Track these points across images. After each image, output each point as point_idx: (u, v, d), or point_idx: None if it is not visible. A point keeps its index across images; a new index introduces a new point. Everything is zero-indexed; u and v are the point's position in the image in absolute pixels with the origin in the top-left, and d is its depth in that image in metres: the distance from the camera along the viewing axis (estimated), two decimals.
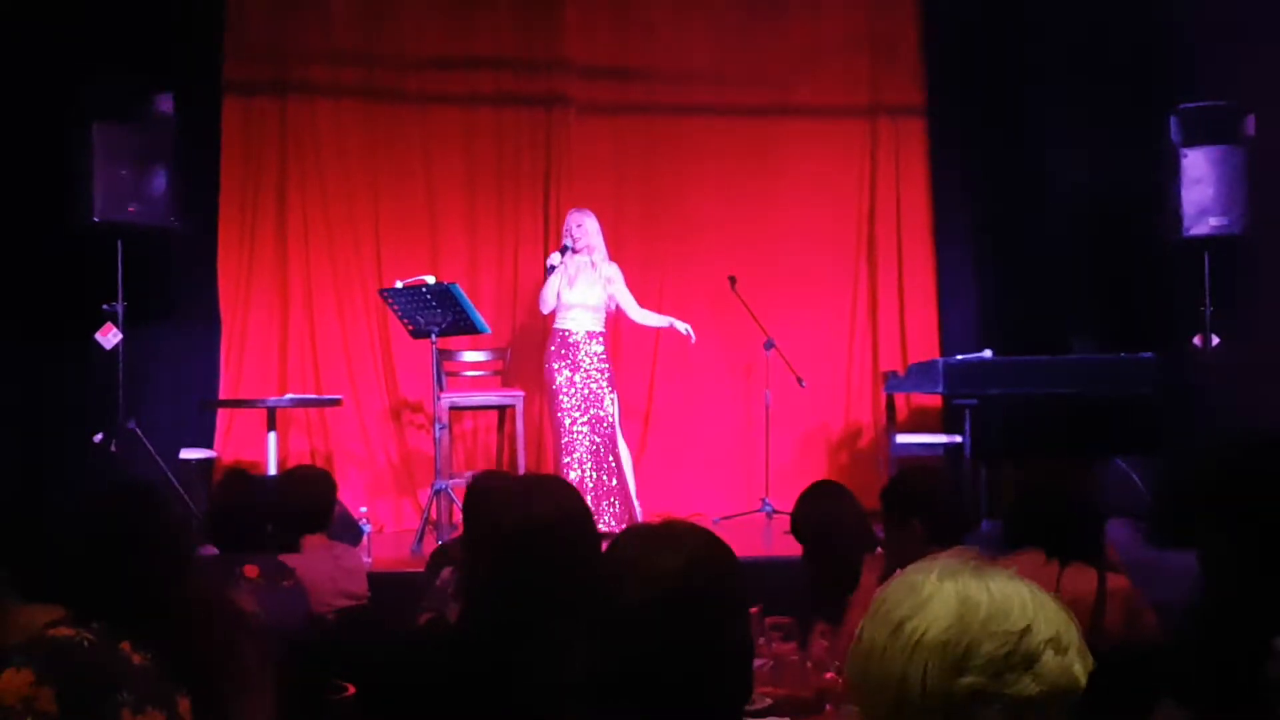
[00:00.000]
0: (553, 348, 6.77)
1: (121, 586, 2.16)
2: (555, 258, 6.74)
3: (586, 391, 6.64)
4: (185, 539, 2.52)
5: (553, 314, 6.82)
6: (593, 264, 6.75)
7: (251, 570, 3.54)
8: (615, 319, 7.03)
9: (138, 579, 2.19)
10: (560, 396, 6.67)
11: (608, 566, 1.69)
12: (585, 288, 6.72)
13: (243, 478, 4.41)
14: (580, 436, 6.62)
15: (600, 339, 6.78)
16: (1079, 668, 1.31)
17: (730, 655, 1.66)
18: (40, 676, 1.94)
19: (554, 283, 6.72)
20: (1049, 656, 1.29)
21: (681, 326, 6.96)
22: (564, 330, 6.75)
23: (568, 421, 6.63)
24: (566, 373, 6.66)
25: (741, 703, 1.71)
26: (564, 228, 6.85)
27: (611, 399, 6.72)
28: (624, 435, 6.91)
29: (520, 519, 2.14)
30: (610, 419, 6.69)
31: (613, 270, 6.82)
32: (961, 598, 1.31)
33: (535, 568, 2.08)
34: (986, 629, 1.29)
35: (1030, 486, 3.24)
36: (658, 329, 7.26)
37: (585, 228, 6.75)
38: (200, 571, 2.72)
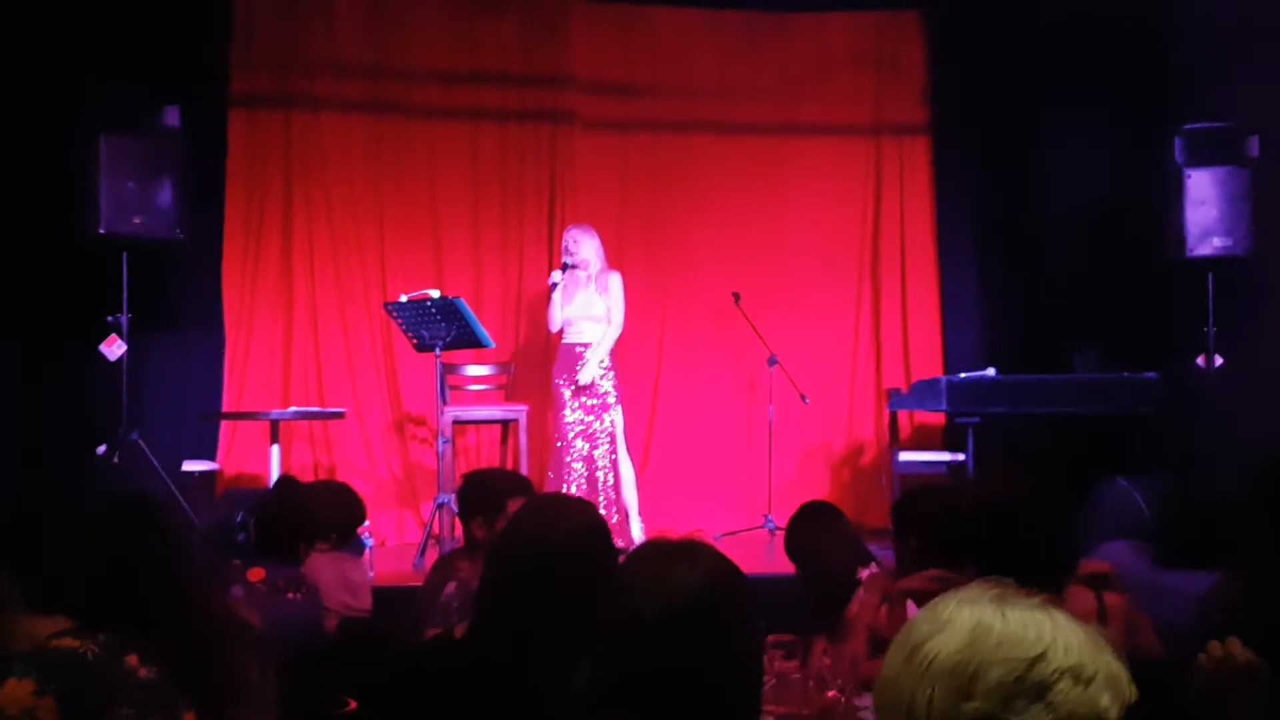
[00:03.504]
0: (557, 362, 6.79)
1: (124, 598, 2.16)
2: (556, 275, 6.77)
3: (589, 404, 6.64)
4: (188, 551, 2.52)
5: (561, 331, 6.83)
6: (589, 277, 6.75)
7: (256, 574, 3.52)
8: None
9: (140, 591, 2.19)
10: (563, 410, 6.67)
11: (623, 580, 1.70)
12: (583, 300, 6.74)
13: (295, 486, 4.42)
14: (576, 451, 6.61)
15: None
16: (1107, 700, 1.26)
17: (741, 672, 1.66)
18: (42, 687, 1.94)
19: (556, 300, 6.75)
20: (1065, 686, 1.25)
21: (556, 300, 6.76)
22: (568, 345, 6.76)
23: (569, 434, 6.63)
24: (569, 391, 6.67)
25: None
26: (562, 244, 6.86)
27: (615, 413, 6.71)
28: (628, 450, 6.89)
29: (542, 536, 2.14)
30: (611, 433, 6.68)
31: (612, 280, 6.80)
32: (975, 623, 1.29)
33: (555, 583, 2.08)
34: (997, 654, 1.26)
35: (991, 523, 3.10)
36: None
37: (580, 243, 6.76)
38: (203, 584, 2.71)
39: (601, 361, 6.71)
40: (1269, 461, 3.00)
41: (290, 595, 3.61)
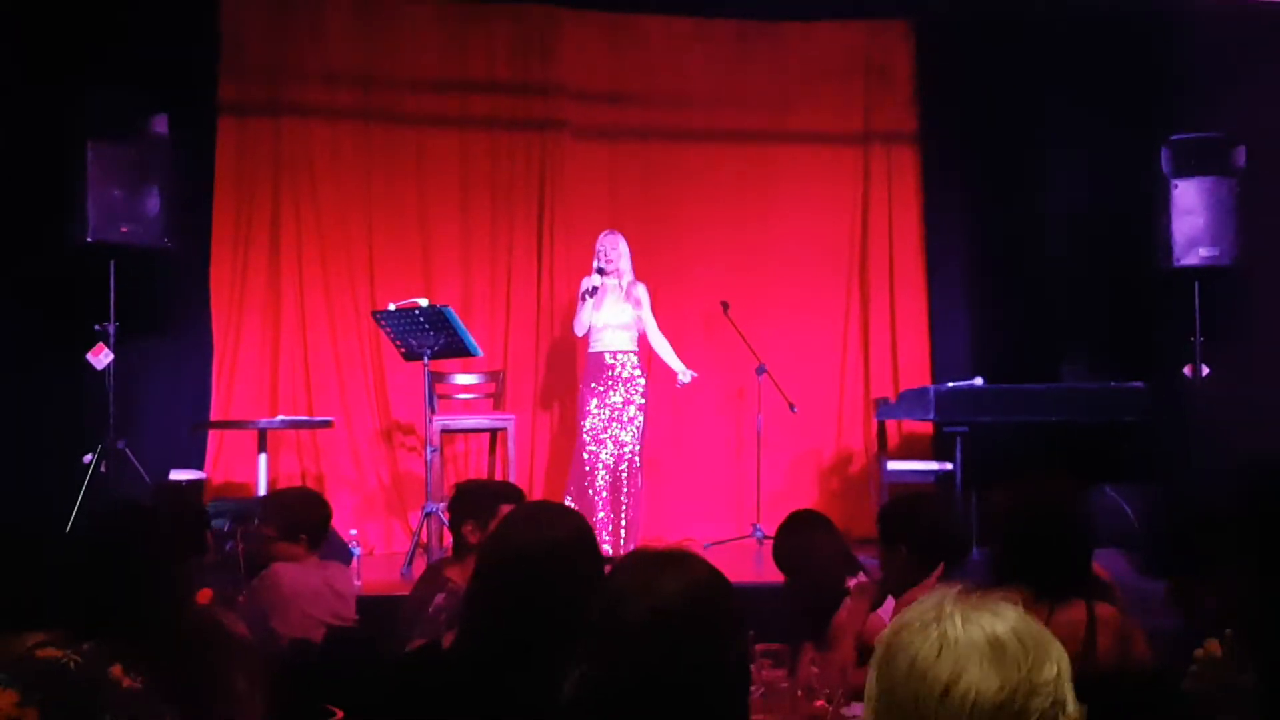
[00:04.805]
0: (586, 371, 6.82)
1: (109, 607, 2.15)
2: (596, 279, 6.78)
3: (614, 414, 6.68)
4: (174, 561, 2.51)
5: (585, 339, 6.85)
6: (620, 285, 6.81)
7: (205, 595, 3.51)
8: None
9: (125, 600, 2.18)
10: (586, 420, 6.70)
11: (610, 587, 1.70)
12: (613, 308, 6.79)
13: (176, 490, 4.42)
14: (596, 461, 6.64)
15: (634, 357, 6.81)
16: (1072, 704, 1.30)
17: (728, 681, 1.66)
18: (26, 697, 1.93)
19: (589, 305, 6.77)
20: (1068, 693, 1.29)
21: (684, 376, 6.89)
22: (597, 353, 6.79)
23: (592, 446, 6.66)
24: (596, 399, 6.70)
25: None
26: (596, 249, 6.88)
27: (638, 425, 6.73)
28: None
29: (531, 542, 2.14)
30: (633, 443, 6.70)
31: (640, 291, 6.88)
32: (996, 650, 1.29)
33: (542, 591, 2.08)
34: (1032, 682, 1.28)
35: (1021, 517, 3.12)
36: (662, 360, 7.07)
37: (619, 249, 6.84)
38: (189, 594, 2.70)
39: (635, 368, 6.78)
40: (1254, 469, 3.01)
41: (239, 599, 3.62)
